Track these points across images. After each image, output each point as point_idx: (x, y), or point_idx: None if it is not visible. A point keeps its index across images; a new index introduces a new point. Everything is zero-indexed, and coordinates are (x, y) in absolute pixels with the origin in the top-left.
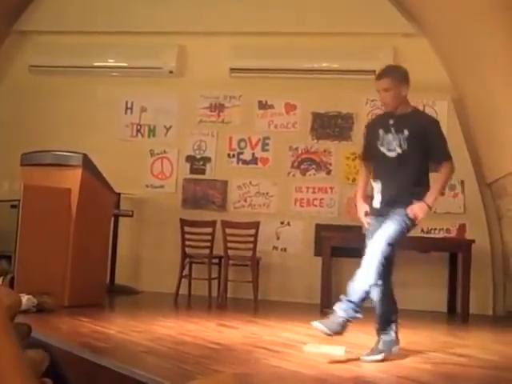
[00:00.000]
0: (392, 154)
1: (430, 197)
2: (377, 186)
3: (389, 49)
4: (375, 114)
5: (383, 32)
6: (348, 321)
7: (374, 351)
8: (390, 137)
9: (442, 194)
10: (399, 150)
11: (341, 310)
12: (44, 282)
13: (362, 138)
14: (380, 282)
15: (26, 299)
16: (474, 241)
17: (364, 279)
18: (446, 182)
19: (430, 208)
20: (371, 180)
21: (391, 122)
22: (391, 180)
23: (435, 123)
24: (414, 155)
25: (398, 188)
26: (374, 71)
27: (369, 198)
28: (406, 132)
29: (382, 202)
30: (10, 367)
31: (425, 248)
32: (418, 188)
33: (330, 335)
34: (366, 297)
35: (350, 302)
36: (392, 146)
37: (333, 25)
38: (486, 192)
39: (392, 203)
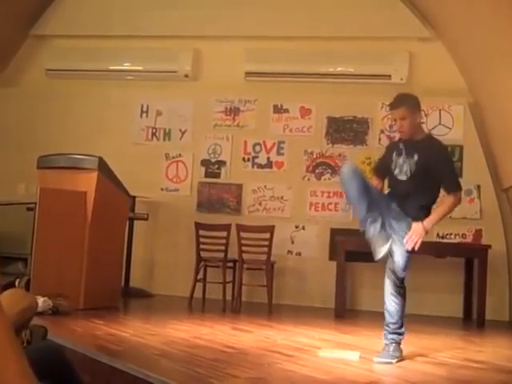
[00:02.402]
0: (402, 178)
1: (429, 220)
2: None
3: (404, 53)
4: (396, 138)
5: (399, 36)
6: (398, 344)
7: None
8: (400, 160)
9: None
10: (408, 174)
11: (386, 338)
12: (59, 284)
13: (376, 143)
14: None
15: (41, 301)
16: (490, 246)
17: (391, 307)
18: (449, 211)
19: (426, 231)
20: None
21: (404, 146)
22: (400, 202)
23: (446, 153)
24: (422, 180)
25: (405, 210)
26: (390, 76)
27: None
28: (415, 157)
29: None
30: (16, 374)
31: (441, 253)
32: (423, 212)
33: (391, 363)
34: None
35: (388, 326)
36: (403, 169)
37: (348, 29)
38: (502, 197)
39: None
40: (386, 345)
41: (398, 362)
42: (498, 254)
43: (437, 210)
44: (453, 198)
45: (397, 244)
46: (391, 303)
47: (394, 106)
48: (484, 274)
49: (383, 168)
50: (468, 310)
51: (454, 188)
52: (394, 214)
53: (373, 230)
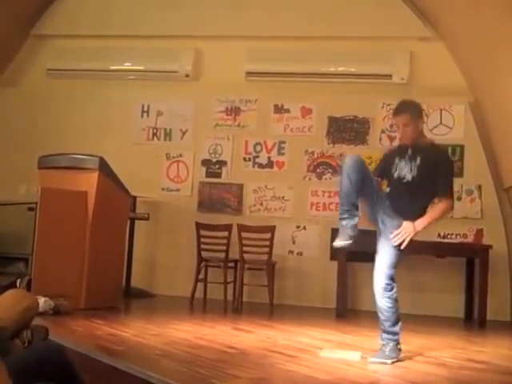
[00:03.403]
0: (402, 180)
1: (419, 221)
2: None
3: (405, 53)
4: (394, 146)
5: (400, 36)
6: (396, 344)
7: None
8: (402, 163)
9: (459, 199)
10: (409, 177)
11: (382, 339)
12: (61, 284)
13: (377, 142)
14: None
15: (42, 301)
16: (491, 246)
17: (382, 304)
18: (441, 215)
19: (416, 231)
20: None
21: (408, 151)
22: (396, 203)
23: (448, 160)
24: (422, 184)
25: (402, 211)
26: (391, 75)
27: None
28: (418, 160)
29: None
30: None
31: (441, 253)
32: (417, 214)
33: (386, 363)
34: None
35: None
36: (403, 172)
37: (349, 29)
38: (503, 197)
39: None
40: (383, 345)
41: (393, 362)
42: (499, 253)
43: (429, 213)
44: (445, 203)
45: (384, 240)
46: (381, 301)
47: (397, 112)
48: (485, 273)
49: (383, 170)
50: (469, 310)
51: (446, 193)
52: (388, 211)
53: (345, 222)
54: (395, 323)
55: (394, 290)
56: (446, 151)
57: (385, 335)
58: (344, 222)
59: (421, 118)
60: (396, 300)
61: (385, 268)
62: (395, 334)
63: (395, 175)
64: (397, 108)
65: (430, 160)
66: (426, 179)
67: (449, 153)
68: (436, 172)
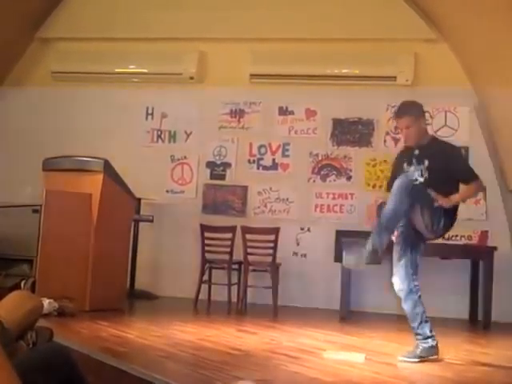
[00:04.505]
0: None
1: (454, 196)
2: None
3: (410, 55)
4: (401, 148)
5: (404, 38)
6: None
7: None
8: (411, 168)
9: (463, 201)
10: (421, 179)
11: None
12: (65, 286)
13: (382, 144)
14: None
15: (47, 303)
16: (496, 248)
17: (408, 306)
18: (471, 194)
19: (451, 202)
20: None
21: (413, 154)
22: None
23: (455, 149)
24: (435, 184)
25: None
26: (395, 77)
27: None
28: (426, 162)
29: None
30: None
31: (446, 255)
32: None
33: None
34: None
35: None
36: (414, 176)
37: (354, 31)
38: (508, 199)
39: None
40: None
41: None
42: (503, 255)
43: (461, 191)
44: (474, 185)
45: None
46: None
47: (398, 115)
48: (490, 275)
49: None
50: (474, 312)
51: (472, 178)
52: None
53: (370, 247)
54: (419, 325)
55: (409, 295)
56: (448, 143)
57: (415, 336)
58: (370, 246)
59: (423, 118)
60: (415, 306)
61: (405, 277)
62: (421, 335)
63: None
64: (398, 111)
65: (437, 157)
66: (439, 177)
67: (451, 144)
68: (447, 166)
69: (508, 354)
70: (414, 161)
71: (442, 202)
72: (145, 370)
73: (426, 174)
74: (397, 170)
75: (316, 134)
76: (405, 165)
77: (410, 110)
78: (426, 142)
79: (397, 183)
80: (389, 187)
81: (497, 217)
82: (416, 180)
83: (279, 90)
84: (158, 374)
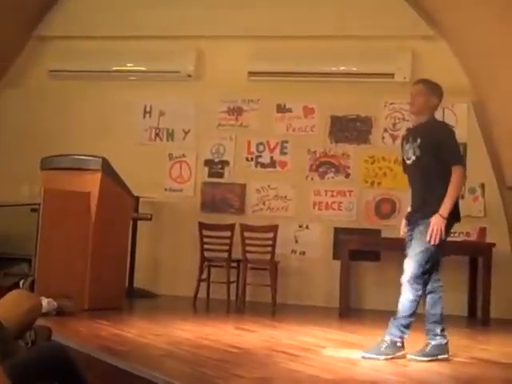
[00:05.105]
0: (409, 162)
1: (443, 208)
2: (410, 194)
3: (408, 52)
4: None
5: (402, 35)
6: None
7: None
8: (407, 146)
9: (462, 197)
10: (413, 158)
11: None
12: (64, 285)
13: (380, 141)
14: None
15: (46, 302)
16: (494, 244)
17: (405, 299)
18: (458, 188)
19: (445, 218)
20: None
21: (410, 132)
22: (414, 187)
23: (447, 130)
24: (427, 161)
25: (418, 195)
26: (393, 74)
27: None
28: (418, 140)
29: (411, 209)
30: None
31: (445, 251)
32: (434, 193)
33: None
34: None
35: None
36: (409, 154)
37: (351, 28)
38: (506, 195)
39: (417, 210)
40: (382, 340)
41: (386, 359)
42: (502, 252)
43: (447, 194)
44: (456, 172)
45: (414, 242)
46: (402, 295)
47: (415, 82)
48: (488, 272)
49: (403, 163)
50: (472, 308)
51: (454, 159)
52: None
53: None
54: (406, 325)
55: (414, 290)
56: (444, 122)
57: (393, 330)
58: (391, 339)
59: (435, 98)
60: (414, 301)
61: (410, 267)
62: (402, 332)
63: (405, 159)
64: (418, 79)
65: (428, 135)
66: (429, 154)
67: (448, 124)
68: (438, 146)
69: (507, 351)
70: (410, 139)
71: (437, 234)
72: (144, 368)
73: (417, 152)
74: (403, 151)
75: (314, 132)
76: (404, 144)
77: (428, 84)
78: (424, 121)
79: None
80: (404, 169)
81: (495, 213)
82: (409, 159)
83: (277, 88)
84: (158, 372)
